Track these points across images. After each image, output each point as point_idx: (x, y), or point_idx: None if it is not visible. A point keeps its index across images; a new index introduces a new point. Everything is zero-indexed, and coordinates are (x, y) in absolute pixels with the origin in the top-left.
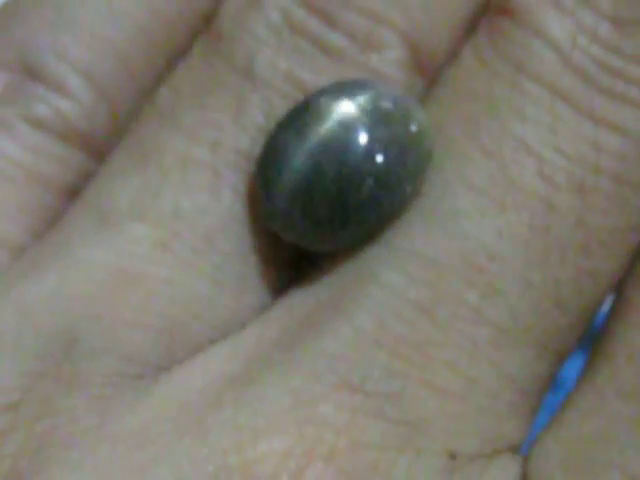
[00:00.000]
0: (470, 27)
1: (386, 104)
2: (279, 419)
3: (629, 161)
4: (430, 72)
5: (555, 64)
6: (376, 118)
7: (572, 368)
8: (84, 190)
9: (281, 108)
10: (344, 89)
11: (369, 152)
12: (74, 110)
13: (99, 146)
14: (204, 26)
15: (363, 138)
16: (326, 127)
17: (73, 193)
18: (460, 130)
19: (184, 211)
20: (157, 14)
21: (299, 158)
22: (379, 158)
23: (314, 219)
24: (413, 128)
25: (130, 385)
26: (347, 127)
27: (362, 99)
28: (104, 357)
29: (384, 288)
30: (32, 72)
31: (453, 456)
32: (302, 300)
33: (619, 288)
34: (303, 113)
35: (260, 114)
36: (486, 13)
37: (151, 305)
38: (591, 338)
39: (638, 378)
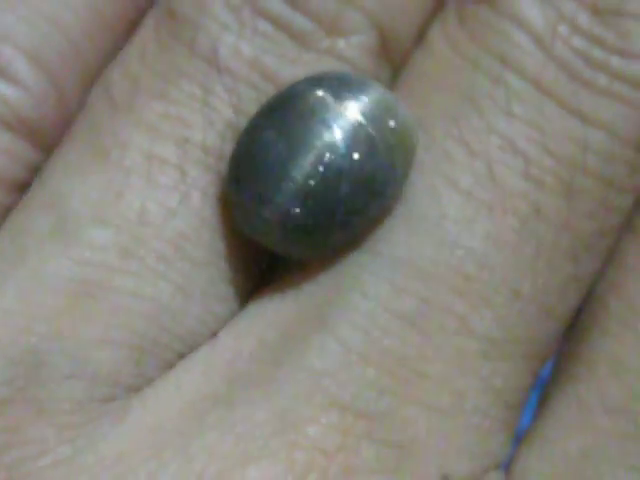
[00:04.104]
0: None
1: (367, 100)
2: (267, 443)
3: (616, 161)
4: (397, 58)
5: (538, 56)
6: (358, 115)
7: None
8: (35, 188)
9: (250, 100)
10: (321, 84)
11: (350, 151)
12: (21, 97)
13: (48, 137)
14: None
15: (345, 137)
16: (307, 127)
17: (21, 188)
18: (441, 127)
19: (150, 215)
20: None
21: (281, 162)
22: (359, 157)
23: (295, 225)
24: (396, 126)
25: (100, 409)
26: (329, 126)
27: (342, 95)
28: (71, 381)
29: (369, 299)
30: None
31: (446, 479)
32: (278, 310)
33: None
34: (280, 111)
35: (228, 107)
36: None
37: (117, 320)
38: None
39: (623, 393)
